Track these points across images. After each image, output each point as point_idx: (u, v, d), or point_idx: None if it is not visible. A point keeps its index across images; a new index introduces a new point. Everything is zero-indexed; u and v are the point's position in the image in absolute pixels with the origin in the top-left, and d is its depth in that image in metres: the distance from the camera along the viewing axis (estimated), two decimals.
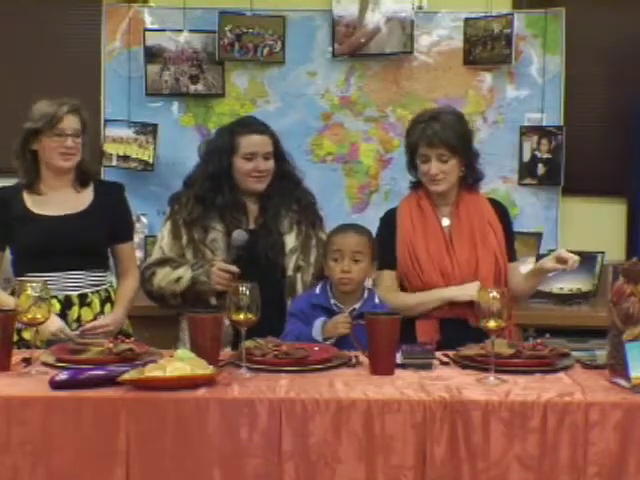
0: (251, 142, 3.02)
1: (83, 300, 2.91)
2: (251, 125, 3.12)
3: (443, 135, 2.84)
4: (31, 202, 2.92)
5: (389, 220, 3.00)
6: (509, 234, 2.99)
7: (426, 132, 2.86)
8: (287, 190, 3.08)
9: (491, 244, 2.89)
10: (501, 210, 3.02)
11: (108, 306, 2.98)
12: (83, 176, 2.99)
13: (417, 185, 3.01)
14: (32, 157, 2.91)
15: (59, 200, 2.94)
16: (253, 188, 3.02)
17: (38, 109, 2.91)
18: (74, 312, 2.89)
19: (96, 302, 2.94)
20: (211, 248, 2.97)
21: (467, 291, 2.73)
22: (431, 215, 2.93)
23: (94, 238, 2.96)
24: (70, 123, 2.90)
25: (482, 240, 2.89)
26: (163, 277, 2.95)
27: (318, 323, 2.70)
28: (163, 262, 2.99)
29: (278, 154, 3.09)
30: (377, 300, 2.80)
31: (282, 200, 3.06)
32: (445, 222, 2.93)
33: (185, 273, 2.92)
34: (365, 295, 2.79)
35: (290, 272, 2.99)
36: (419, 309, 2.84)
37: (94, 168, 3.07)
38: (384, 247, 2.88)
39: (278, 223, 3.03)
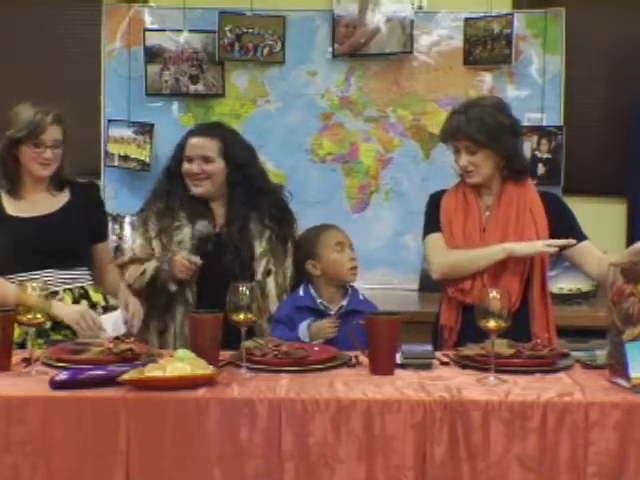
0: (189, 144, 3.04)
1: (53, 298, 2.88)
2: (197, 127, 3.17)
3: (465, 129, 2.80)
4: (6, 204, 2.92)
5: (435, 197, 2.98)
6: (563, 221, 2.89)
7: (451, 125, 2.84)
8: (255, 199, 3.03)
9: (528, 233, 2.82)
10: (550, 201, 2.92)
11: (83, 302, 2.93)
12: (59, 182, 2.98)
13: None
14: (15, 162, 2.90)
15: (35, 202, 2.94)
16: (192, 191, 3.03)
17: (21, 116, 2.88)
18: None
19: (67, 299, 2.91)
20: (178, 248, 2.97)
21: (531, 248, 2.75)
22: (473, 203, 2.89)
23: (69, 237, 2.94)
24: (52, 134, 2.89)
25: (516, 228, 2.83)
26: (131, 274, 3.00)
27: (304, 325, 2.73)
28: (132, 261, 3.04)
29: (233, 160, 3.03)
30: (361, 296, 2.85)
31: (250, 210, 3.02)
32: (486, 211, 2.89)
33: (149, 265, 2.96)
34: (349, 292, 2.83)
35: (259, 276, 2.96)
36: (483, 261, 2.79)
37: (71, 175, 3.04)
38: (431, 216, 2.94)
39: (245, 234, 3.00)
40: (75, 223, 2.97)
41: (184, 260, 2.89)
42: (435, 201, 2.97)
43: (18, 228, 2.89)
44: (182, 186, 3.04)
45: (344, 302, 2.80)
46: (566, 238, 2.81)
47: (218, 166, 3.01)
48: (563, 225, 2.88)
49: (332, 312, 2.79)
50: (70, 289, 2.94)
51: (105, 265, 3.08)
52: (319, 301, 2.80)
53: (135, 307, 2.87)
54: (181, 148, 3.07)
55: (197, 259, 2.89)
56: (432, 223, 2.93)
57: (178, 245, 2.98)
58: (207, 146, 3.02)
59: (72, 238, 2.96)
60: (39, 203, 2.95)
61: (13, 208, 2.92)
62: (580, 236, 2.88)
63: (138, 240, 3.07)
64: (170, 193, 3.05)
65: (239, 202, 3.03)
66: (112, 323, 2.78)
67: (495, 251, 2.79)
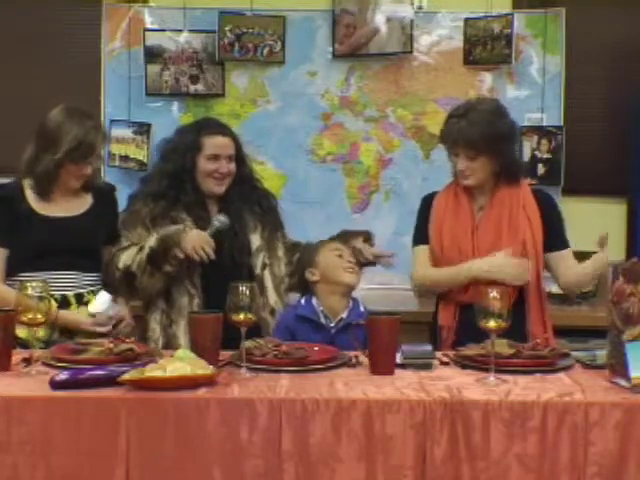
0: (216, 143, 3.00)
1: (80, 300, 2.90)
2: (216, 126, 3.11)
3: (467, 135, 2.79)
4: (35, 202, 2.92)
5: (427, 200, 3.00)
6: (552, 222, 2.90)
7: (453, 129, 2.84)
8: (247, 193, 3.07)
9: (521, 233, 2.83)
10: (543, 199, 2.93)
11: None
12: (86, 185, 2.99)
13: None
14: (53, 175, 2.88)
15: (62, 202, 2.94)
16: (213, 190, 3.00)
17: (70, 135, 2.83)
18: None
19: (93, 301, 2.93)
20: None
21: (495, 274, 2.75)
22: (465, 202, 2.90)
23: (94, 239, 2.97)
24: (99, 149, 2.92)
25: (509, 228, 2.84)
26: (127, 255, 2.91)
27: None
28: (129, 247, 2.95)
29: (240, 159, 3.07)
30: (362, 308, 2.82)
31: (244, 203, 3.05)
32: (479, 211, 2.90)
33: (149, 239, 2.88)
34: (351, 304, 2.82)
35: (258, 271, 2.99)
36: (450, 283, 2.84)
37: (98, 177, 3.04)
38: (420, 223, 2.96)
39: (243, 225, 3.01)
40: (100, 226, 2.99)
41: (200, 238, 2.83)
42: (426, 205, 2.98)
43: (49, 227, 2.89)
44: (191, 186, 2.99)
45: (344, 315, 2.78)
46: (554, 240, 2.88)
47: (234, 165, 3.03)
48: (551, 228, 2.90)
49: (332, 324, 2.76)
50: (93, 291, 2.95)
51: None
52: (320, 309, 2.78)
53: (126, 317, 2.94)
54: (194, 147, 3.00)
55: (211, 240, 2.84)
56: (420, 232, 2.96)
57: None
58: (231, 145, 3.04)
59: (97, 240, 2.99)
60: (66, 204, 2.95)
61: (41, 207, 2.91)
62: (564, 243, 2.93)
63: (136, 230, 2.97)
64: (168, 196, 2.97)
65: (233, 197, 3.04)
66: (103, 303, 2.85)
67: (461, 274, 2.81)
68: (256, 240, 3.02)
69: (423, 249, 2.94)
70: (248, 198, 3.07)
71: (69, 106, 2.92)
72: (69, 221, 2.93)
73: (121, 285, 2.98)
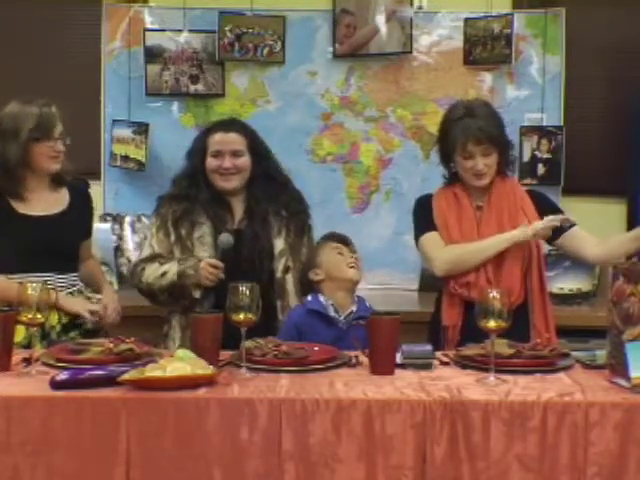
0: (216, 140, 3.01)
1: None
2: (221, 124, 3.12)
3: (488, 131, 2.83)
4: (14, 202, 2.85)
5: (424, 200, 3.00)
6: (551, 212, 2.91)
7: (471, 128, 2.83)
8: (273, 192, 3.05)
9: (521, 225, 2.85)
10: (536, 197, 2.98)
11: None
12: (59, 179, 2.95)
13: (452, 179, 2.98)
14: (21, 165, 2.83)
15: (41, 201, 2.89)
16: (221, 186, 3.00)
17: (26, 116, 2.82)
18: (53, 315, 2.80)
19: None
20: (198, 243, 2.95)
21: (532, 231, 2.78)
22: (465, 202, 2.92)
23: (75, 238, 2.96)
24: (59, 126, 2.86)
25: (510, 221, 2.87)
26: (151, 273, 2.93)
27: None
28: (152, 258, 2.97)
29: (257, 153, 3.05)
30: (367, 304, 2.83)
31: (269, 204, 3.03)
32: (478, 208, 2.92)
33: (171, 267, 2.90)
34: (357, 299, 2.82)
35: (279, 274, 2.97)
36: (488, 252, 2.81)
37: (70, 169, 3.00)
38: (422, 216, 2.95)
39: (267, 228, 3.00)
40: (78, 223, 2.97)
41: (209, 267, 2.84)
42: (424, 203, 2.98)
43: (31, 227, 2.84)
44: (205, 185, 3.01)
45: (354, 308, 2.78)
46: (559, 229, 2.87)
47: (246, 160, 3.02)
48: (554, 214, 2.90)
49: (341, 317, 2.76)
50: (72, 293, 2.93)
51: (84, 260, 3.06)
52: (330, 302, 2.77)
53: (112, 301, 2.95)
54: (201, 147, 3.02)
55: (220, 263, 2.85)
56: (426, 223, 2.94)
57: (198, 240, 2.95)
58: (236, 140, 3.02)
59: (77, 239, 2.98)
60: (45, 202, 2.90)
61: (21, 206, 2.86)
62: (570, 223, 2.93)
63: (158, 235, 3.00)
64: (190, 196, 3.00)
65: (259, 196, 3.03)
66: None
67: (500, 241, 2.81)
68: (280, 244, 3.00)
69: (435, 234, 2.91)
70: (275, 199, 3.04)
71: (17, 99, 2.90)
72: (50, 219, 2.88)
73: (145, 296, 3.02)
